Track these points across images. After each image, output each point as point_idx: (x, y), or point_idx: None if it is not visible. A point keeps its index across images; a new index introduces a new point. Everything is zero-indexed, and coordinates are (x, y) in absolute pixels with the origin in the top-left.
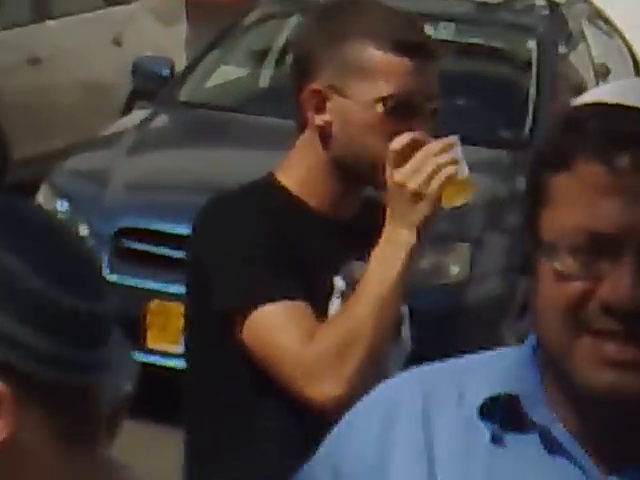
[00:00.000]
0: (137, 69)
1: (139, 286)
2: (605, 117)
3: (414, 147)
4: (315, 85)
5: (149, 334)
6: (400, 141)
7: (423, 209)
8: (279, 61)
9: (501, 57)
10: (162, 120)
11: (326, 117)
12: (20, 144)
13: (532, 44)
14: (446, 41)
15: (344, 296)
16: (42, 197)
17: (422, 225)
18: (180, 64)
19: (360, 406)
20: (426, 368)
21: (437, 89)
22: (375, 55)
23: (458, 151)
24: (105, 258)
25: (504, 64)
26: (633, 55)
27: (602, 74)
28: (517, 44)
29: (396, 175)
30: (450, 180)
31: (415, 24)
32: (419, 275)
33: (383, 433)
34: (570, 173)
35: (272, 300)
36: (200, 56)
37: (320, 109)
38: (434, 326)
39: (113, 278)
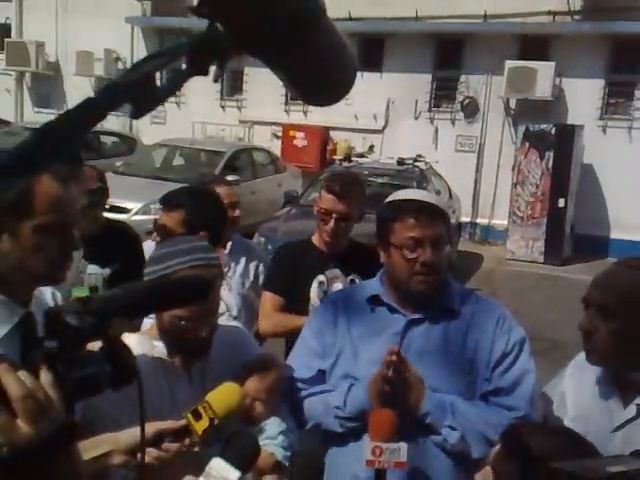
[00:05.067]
0: (286, 194)
1: None
2: (413, 202)
3: None
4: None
5: None
6: None
7: None
8: None
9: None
10: (294, 211)
11: None
12: (247, 219)
13: (414, 183)
14: (385, 183)
15: (321, 283)
16: (255, 239)
17: None
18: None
19: (320, 310)
20: (339, 292)
21: (346, 209)
22: (322, 193)
23: None
24: None
25: None
26: (448, 186)
27: (437, 192)
28: (407, 183)
29: None
30: None
31: (337, 182)
32: None
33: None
34: (400, 221)
35: (268, 290)
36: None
37: None
38: None
39: None
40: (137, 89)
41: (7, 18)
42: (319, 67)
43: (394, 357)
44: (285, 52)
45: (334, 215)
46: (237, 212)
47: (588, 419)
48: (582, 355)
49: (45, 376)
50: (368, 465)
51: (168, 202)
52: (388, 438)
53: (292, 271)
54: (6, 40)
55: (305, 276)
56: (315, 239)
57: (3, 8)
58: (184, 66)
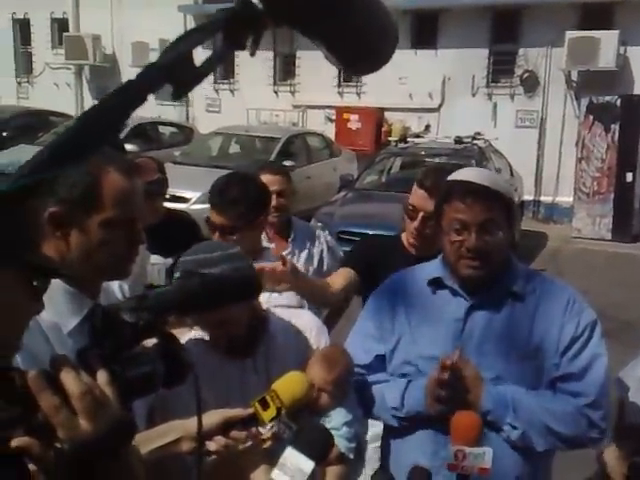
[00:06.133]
0: (341, 178)
1: None
2: (461, 184)
3: None
4: None
5: None
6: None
7: None
8: None
9: (462, 167)
10: (350, 195)
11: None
12: (303, 204)
13: (473, 162)
14: (443, 163)
15: None
16: (312, 222)
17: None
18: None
19: (378, 293)
20: (399, 274)
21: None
22: (414, 188)
23: None
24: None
25: None
26: (509, 164)
27: (498, 170)
28: (465, 162)
29: None
30: None
31: (431, 176)
32: None
33: (387, 304)
34: (447, 204)
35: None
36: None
37: None
38: None
39: None
40: (176, 69)
41: (64, 13)
42: (359, 34)
43: (448, 361)
44: (322, 21)
45: (422, 213)
46: (282, 200)
47: None
48: None
49: (101, 375)
50: (451, 470)
51: (222, 200)
52: (472, 442)
53: (369, 266)
54: (64, 35)
55: (382, 274)
56: (404, 237)
57: (60, 3)
58: (221, 41)
